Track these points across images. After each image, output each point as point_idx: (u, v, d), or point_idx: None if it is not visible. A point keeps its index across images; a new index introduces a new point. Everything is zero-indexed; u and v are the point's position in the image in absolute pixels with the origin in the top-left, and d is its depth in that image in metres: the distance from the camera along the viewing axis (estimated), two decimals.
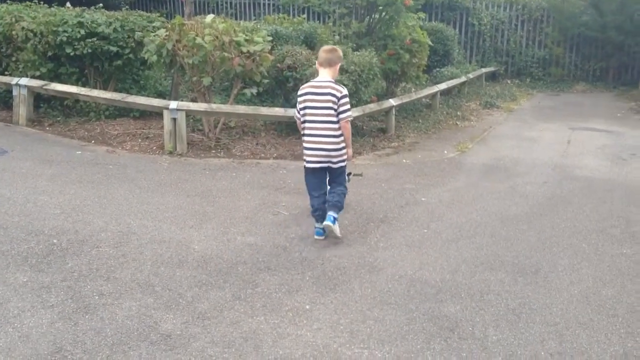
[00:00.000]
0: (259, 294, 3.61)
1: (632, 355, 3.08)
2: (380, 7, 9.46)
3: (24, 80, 8.19)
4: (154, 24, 8.47)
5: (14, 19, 8.53)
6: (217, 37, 7.00)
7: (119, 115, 8.62)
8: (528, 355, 3.04)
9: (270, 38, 7.83)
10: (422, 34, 9.94)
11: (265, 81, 7.58)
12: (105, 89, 8.52)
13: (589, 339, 3.22)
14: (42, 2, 9.97)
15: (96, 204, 5.16)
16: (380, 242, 4.53)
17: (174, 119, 7.06)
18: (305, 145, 4.51)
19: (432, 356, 3.01)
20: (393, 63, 9.41)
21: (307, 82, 4.72)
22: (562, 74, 16.19)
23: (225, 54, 6.95)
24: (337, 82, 4.50)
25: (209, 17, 7.36)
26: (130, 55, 8.45)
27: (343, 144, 4.47)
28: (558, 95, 14.43)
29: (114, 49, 8.24)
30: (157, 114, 8.06)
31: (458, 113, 10.57)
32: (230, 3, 18.39)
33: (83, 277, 3.74)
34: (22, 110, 8.23)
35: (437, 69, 12.81)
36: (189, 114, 7.43)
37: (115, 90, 8.59)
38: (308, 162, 4.51)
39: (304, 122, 4.48)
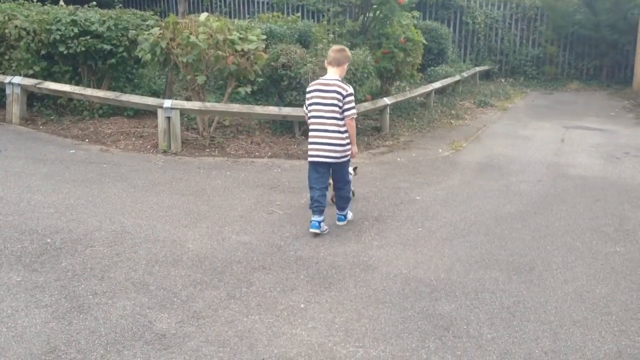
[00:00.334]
0: (254, 293, 3.60)
1: (626, 353, 3.09)
2: (375, 6, 9.47)
3: (17, 79, 8.15)
4: (147, 22, 8.44)
5: (6, 17, 8.50)
6: (211, 36, 6.99)
7: (112, 113, 8.60)
8: (522, 354, 3.05)
9: (264, 36, 7.83)
10: (417, 32, 9.96)
11: (260, 80, 7.59)
12: (99, 87, 8.49)
13: (583, 337, 3.23)
14: (35, 0, 9.91)
15: (90, 203, 5.14)
16: (375, 240, 4.53)
17: (168, 118, 7.04)
18: (310, 139, 4.63)
19: (427, 355, 3.01)
20: (387, 62, 9.41)
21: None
22: (556, 73, 16.26)
23: (220, 53, 6.94)
24: (344, 80, 4.66)
25: (203, 16, 7.34)
26: (124, 54, 8.42)
27: (347, 140, 4.60)
28: (552, 93, 14.48)
29: (108, 47, 8.22)
30: (151, 112, 8.05)
31: (452, 112, 10.60)
32: (224, 1, 18.36)
33: (77, 277, 3.73)
34: (15, 108, 8.19)
35: (432, 68, 12.84)
36: (183, 112, 7.41)
37: (109, 88, 8.56)
38: (311, 155, 4.62)
39: (310, 117, 4.63)
